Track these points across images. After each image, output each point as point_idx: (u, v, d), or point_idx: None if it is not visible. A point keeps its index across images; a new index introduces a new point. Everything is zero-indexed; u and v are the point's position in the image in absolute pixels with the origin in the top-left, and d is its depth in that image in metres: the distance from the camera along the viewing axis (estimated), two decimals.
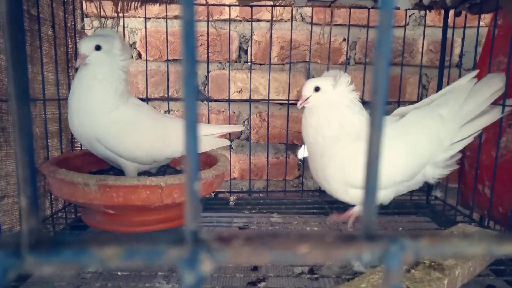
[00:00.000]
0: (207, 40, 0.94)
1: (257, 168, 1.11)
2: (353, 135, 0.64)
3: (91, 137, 0.64)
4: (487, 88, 0.67)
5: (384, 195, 0.67)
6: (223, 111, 1.09)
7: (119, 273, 0.49)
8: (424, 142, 0.66)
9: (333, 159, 0.65)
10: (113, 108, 0.63)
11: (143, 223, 0.63)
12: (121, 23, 1.05)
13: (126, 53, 0.64)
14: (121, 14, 0.84)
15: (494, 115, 0.67)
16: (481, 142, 0.77)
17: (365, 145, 0.12)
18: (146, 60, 0.94)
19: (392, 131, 0.66)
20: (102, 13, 0.83)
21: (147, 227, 0.63)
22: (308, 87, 0.67)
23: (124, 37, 1.02)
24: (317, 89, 0.66)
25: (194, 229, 0.12)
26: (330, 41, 0.94)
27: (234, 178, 1.12)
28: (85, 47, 0.60)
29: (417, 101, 0.97)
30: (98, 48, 0.61)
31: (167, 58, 0.94)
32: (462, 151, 0.82)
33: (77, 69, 0.65)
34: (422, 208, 0.86)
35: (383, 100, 0.12)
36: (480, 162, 0.77)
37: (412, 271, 0.45)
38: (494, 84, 0.67)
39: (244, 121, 1.10)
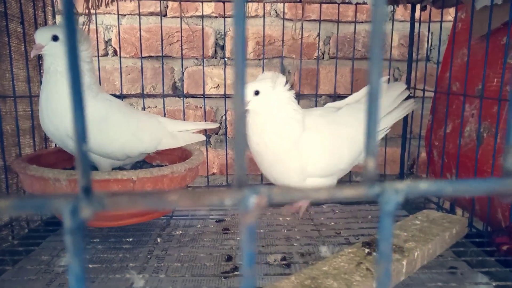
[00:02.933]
0: (181, 37, 0.94)
1: None
2: (300, 128, 0.68)
3: (61, 134, 0.64)
4: (395, 90, 0.81)
5: (331, 181, 0.73)
6: (201, 107, 1.09)
7: (90, 266, 0.50)
8: (361, 133, 0.72)
9: (289, 153, 0.68)
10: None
11: (117, 218, 0.64)
12: (96, 20, 1.05)
13: (87, 44, 0.64)
14: (93, 11, 0.84)
15: (408, 107, 0.82)
16: (448, 132, 0.80)
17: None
18: (120, 57, 0.94)
19: (335, 124, 0.73)
20: (74, 10, 0.83)
21: (122, 221, 0.63)
22: (248, 92, 0.68)
23: (95, 34, 1.02)
24: (256, 92, 0.68)
25: (85, 185, 0.13)
26: (302, 37, 0.95)
27: (214, 174, 1.13)
28: (41, 37, 0.60)
29: None
30: (55, 38, 0.61)
31: (141, 54, 0.94)
32: (430, 140, 0.85)
33: None
34: None
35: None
36: (447, 151, 0.79)
37: (374, 253, 0.48)
38: (399, 88, 0.82)
39: (222, 117, 1.11)
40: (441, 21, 0.80)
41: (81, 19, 0.85)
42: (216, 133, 1.12)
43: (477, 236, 0.63)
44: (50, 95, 0.63)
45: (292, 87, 0.74)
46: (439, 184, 0.13)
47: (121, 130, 0.69)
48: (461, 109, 0.71)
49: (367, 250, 0.48)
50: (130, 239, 0.58)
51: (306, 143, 0.68)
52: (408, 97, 0.83)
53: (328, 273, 0.42)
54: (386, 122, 0.78)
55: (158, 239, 0.61)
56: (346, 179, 0.94)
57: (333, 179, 0.73)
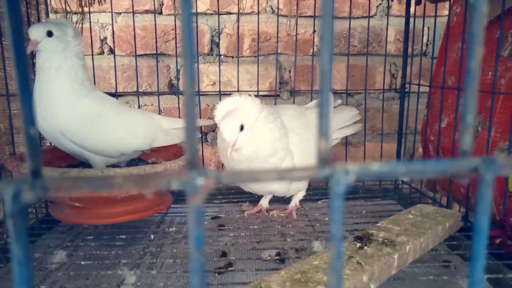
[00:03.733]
0: (175, 34, 0.94)
1: None
2: (285, 140, 0.66)
3: (55, 131, 0.64)
4: (349, 112, 0.87)
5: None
6: (197, 104, 1.09)
7: (82, 263, 0.50)
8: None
9: (277, 161, 0.66)
10: (75, 99, 0.64)
11: (111, 215, 0.64)
12: (91, 18, 1.05)
13: (78, 39, 0.64)
14: (86, 9, 0.84)
15: (356, 128, 0.86)
16: (443, 126, 0.80)
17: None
18: (114, 55, 0.94)
19: (308, 126, 0.73)
20: (68, 8, 0.83)
21: (115, 218, 0.63)
22: (232, 129, 0.60)
23: (91, 32, 1.02)
24: (242, 127, 0.60)
25: (33, 168, 0.13)
26: (297, 33, 0.95)
27: None
28: (36, 33, 0.60)
29: (386, 90, 1.00)
30: (50, 34, 0.61)
31: (135, 52, 0.94)
32: (425, 135, 0.85)
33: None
34: (389, 192, 0.89)
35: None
36: (442, 145, 0.79)
37: (365, 248, 0.47)
38: (352, 112, 0.88)
39: None
40: (435, 16, 0.80)
41: (75, 18, 0.85)
42: (213, 130, 1.12)
43: (472, 229, 0.62)
44: (42, 92, 0.63)
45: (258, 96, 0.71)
46: (392, 165, 0.13)
47: (115, 127, 0.69)
48: (456, 103, 0.71)
49: (358, 245, 0.48)
50: (124, 236, 0.59)
51: (291, 145, 0.67)
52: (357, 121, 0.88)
53: (319, 267, 0.42)
54: (337, 135, 0.83)
55: (152, 236, 0.61)
56: None
57: (304, 184, 0.74)
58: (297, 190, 0.73)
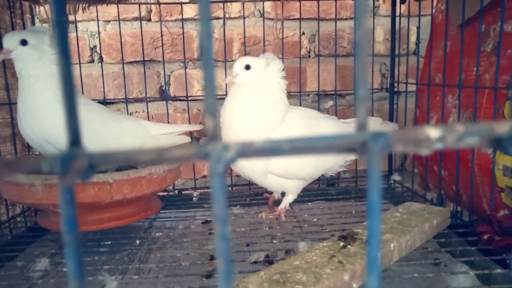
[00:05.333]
0: (161, 40, 0.94)
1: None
2: (278, 118, 0.67)
3: (40, 138, 0.64)
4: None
5: (293, 184, 0.72)
6: (188, 110, 1.09)
7: (64, 270, 0.49)
8: None
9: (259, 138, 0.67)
10: (58, 107, 0.64)
11: (97, 222, 0.63)
12: (81, 27, 1.05)
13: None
14: (72, 17, 0.84)
15: None
16: (432, 124, 0.79)
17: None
18: (102, 62, 0.94)
19: (312, 130, 0.72)
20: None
21: (101, 225, 0.63)
22: (238, 65, 0.67)
23: (80, 41, 1.02)
24: (247, 67, 0.67)
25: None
26: (283, 35, 0.95)
27: (204, 176, 1.13)
28: (9, 41, 0.60)
29: (376, 89, 1.00)
30: (24, 42, 0.61)
31: (123, 60, 0.94)
32: None
33: None
34: (382, 192, 0.88)
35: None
36: None
37: (348, 246, 0.47)
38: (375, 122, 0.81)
39: None
40: (419, 14, 0.80)
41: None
42: (205, 136, 1.11)
43: (462, 226, 0.62)
44: (26, 100, 0.63)
45: (285, 78, 0.73)
46: (276, 142, 0.13)
47: (102, 134, 0.69)
48: (443, 100, 0.70)
49: (342, 244, 0.47)
50: (109, 242, 0.58)
51: (278, 137, 0.67)
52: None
53: (299, 267, 0.42)
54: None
55: (138, 241, 0.61)
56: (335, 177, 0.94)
57: (296, 184, 0.72)
58: (291, 189, 0.72)
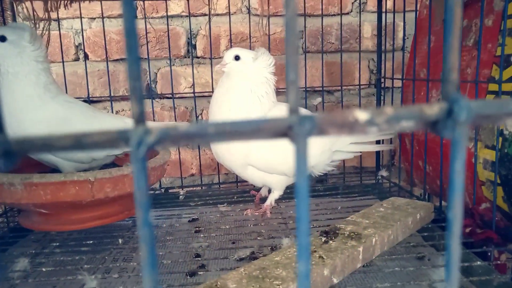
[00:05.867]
0: (146, 37, 0.93)
1: (214, 162, 1.11)
2: (259, 114, 0.67)
3: None
4: None
5: (276, 179, 0.72)
6: (176, 108, 1.08)
7: (43, 269, 0.49)
8: (316, 147, 0.73)
9: None
10: (40, 104, 0.63)
11: (80, 221, 0.63)
12: (65, 25, 1.04)
13: (38, 43, 0.63)
14: (55, 16, 0.83)
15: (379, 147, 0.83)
16: None
17: None
18: (85, 60, 0.93)
19: None
20: (36, 15, 0.82)
21: (84, 224, 0.62)
22: (229, 55, 0.69)
23: (65, 39, 1.01)
24: (237, 57, 0.68)
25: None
26: (269, 32, 0.95)
27: (192, 175, 1.12)
28: None
29: (364, 85, 1.00)
30: (2, 39, 0.60)
31: (107, 57, 0.93)
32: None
33: None
34: (369, 188, 0.88)
35: None
36: (417, 138, 0.79)
37: (330, 242, 0.47)
38: None
39: (198, 116, 1.11)
40: (404, 10, 0.80)
41: (42, 24, 0.84)
42: None
43: (445, 221, 0.62)
44: (5, 97, 0.62)
45: (274, 75, 0.73)
46: (201, 126, 0.12)
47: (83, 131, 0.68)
48: (427, 95, 0.70)
49: (324, 239, 0.47)
50: (91, 242, 0.57)
51: None
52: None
53: (279, 263, 0.42)
54: (352, 148, 0.78)
55: (120, 240, 0.60)
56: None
57: (279, 180, 0.71)
58: (274, 185, 0.72)
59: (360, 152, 0.79)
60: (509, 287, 0.43)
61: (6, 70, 0.61)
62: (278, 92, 1.09)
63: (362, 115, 0.11)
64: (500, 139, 0.55)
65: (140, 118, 0.12)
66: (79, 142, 0.12)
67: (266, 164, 0.68)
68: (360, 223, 0.52)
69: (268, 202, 0.72)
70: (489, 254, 0.51)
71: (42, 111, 0.63)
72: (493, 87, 0.58)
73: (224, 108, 0.68)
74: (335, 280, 0.42)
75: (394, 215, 0.54)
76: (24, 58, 0.62)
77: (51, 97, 0.65)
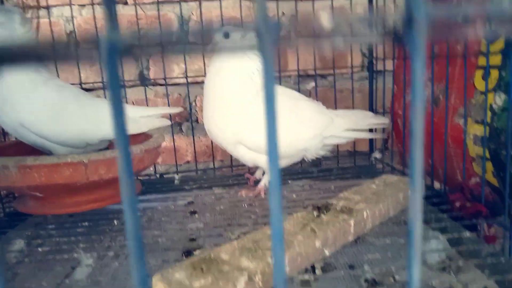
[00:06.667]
0: (137, 23, 0.93)
1: (209, 149, 1.11)
2: (252, 91, 0.67)
3: (14, 122, 0.63)
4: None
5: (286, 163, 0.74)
6: (169, 95, 1.08)
7: (39, 249, 0.49)
8: (303, 128, 0.74)
9: (230, 109, 0.68)
10: (32, 88, 0.63)
11: (75, 204, 0.63)
12: (55, 12, 1.03)
13: (27, 25, 0.63)
14: (44, 3, 0.82)
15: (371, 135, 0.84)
16: (409, 99, 0.80)
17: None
18: (77, 47, 0.92)
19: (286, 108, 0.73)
20: (24, 2, 0.81)
21: (78, 207, 0.63)
22: (218, 33, 0.70)
23: (56, 27, 1.00)
24: (226, 35, 0.69)
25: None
26: None
27: (188, 162, 1.13)
28: None
29: (356, 66, 1.00)
30: None
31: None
32: (392, 109, 0.85)
33: None
34: (363, 169, 0.89)
35: None
36: (408, 118, 0.79)
37: (322, 216, 0.47)
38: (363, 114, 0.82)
39: (191, 103, 1.11)
40: None
41: (31, 12, 0.83)
42: (187, 120, 1.11)
43: (436, 197, 0.63)
44: None
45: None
46: (171, 32, 0.13)
47: (77, 116, 0.68)
48: None
49: (316, 213, 0.48)
50: (86, 223, 0.58)
51: (252, 110, 0.68)
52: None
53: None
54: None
55: (115, 222, 0.61)
56: None
57: (266, 159, 0.71)
58: (265, 165, 0.73)
59: (354, 138, 0.79)
60: (498, 257, 0.44)
61: None
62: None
63: (326, 22, 0.11)
64: (489, 113, 0.56)
65: (111, 24, 0.13)
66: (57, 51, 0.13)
67: (255, 143, 0.68)
68: (352, 199, 0.53)
69: (262, 184, 0.73)
70: (478, 227, 0.52)
71: (34, 96, 0.63)
72: (482, 61, 0.59)
73: (217, 88, 0.69)
74: (326, 252, 0.43)
75: (385, 191, 0.55)
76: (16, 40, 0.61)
77: (43, 81, 0.65)
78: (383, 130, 0.88)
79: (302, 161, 0.94)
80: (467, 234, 0.48)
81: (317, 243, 0.41)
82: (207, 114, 0.72)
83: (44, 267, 0.46)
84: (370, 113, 0.82)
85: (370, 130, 0.84)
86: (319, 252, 0.42)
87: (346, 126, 0.75)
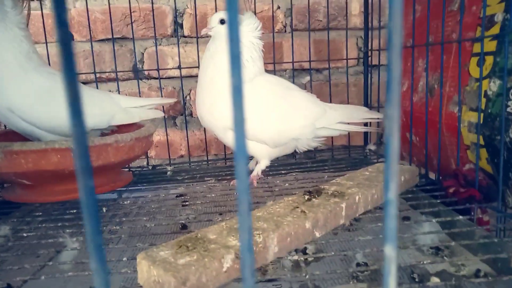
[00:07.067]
0: (130, 16, 0.92)
1: (203, 143, 1.10)
2: (248, 78, 0.66)
3: (2, 107, 0.62)
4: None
5: (258, 147, 0.71)
6: (163, 88, 1.07)
7: (24, 234, 0.48)
8: (296, 116, 0.73)
9: (221, 94, 0.67)
10: (21, 73, 0.62)
11: (63, 192, 0.62)
12: (48, 4, 1.02)
13: (19, 10, 0.62)
14: None
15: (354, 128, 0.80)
16: (404, 90, 0.80)
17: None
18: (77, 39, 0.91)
19: (277, 96, 0.73)
20: None
21: (67, 195, 0.61)
22: (214, 18, 0.71)
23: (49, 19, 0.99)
24: (222, 21, 0.69)
25: None
26: (255, 9, 0.94)
27: (182, 156, 1.12)
28: None
29: (351, 58, 0.99)
30: None
31: (91, 37, 0.92)
32: None
33: None
34: (357, 161, 0.88)
35: None
36: (404, 109, 0.79)
37: (313, 199, 0.47)
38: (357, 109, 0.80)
39: (185, 97, 1.10)
40: None
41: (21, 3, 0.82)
42: (181, 114, 1.10)
43: (429, 184, 0.62)
44: None
45: (260, 39, 0.73)
46: None
47: (66, 104, 0.67)
48: (412, 65, 0.70)
49: (307, 197, 0.47)
50: (74, 211, 0.57)
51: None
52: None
53: (261, 217, 0.41)
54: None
55: (104, 209, 0.60)
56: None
57: (262, 148, 0.70)
58: (257, 154, 0.72)
59: (347, 130, 0.79)
60: (491, 238, 0.43)
61: None
62: (266, 71, 1.08)
63: None
64: (484, 100, 0.55)
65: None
66: None
67: (247, 130, 0.68)
68: (344, 184, 0.52)
69: (254, 173, 0.72)
70: (471, 212, 0.52)
71: (23, 81, 0.62)
72: (477, 48, 0.58)
73: (209, 72, 0.68)
74: (317, 234, 0.42)
75: (378, 177, 0.54)
76: (7, 24, 0.61)
77: (33, 67, 0.64)
78: (378, 124, 0.87)
79: (297, 154, 0.94)
80: (459, 218, 0.47)
81: (307, 224, 0.41)
82: (199, 99, 0.72)
83: (28, 251, 0.45)
84: (365, 108, 0.82)
85: (365, 124, 0.83)
86: (309, 233, 0.41)
87: (340, 118, 0.75)
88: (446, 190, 0.54)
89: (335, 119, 0.74)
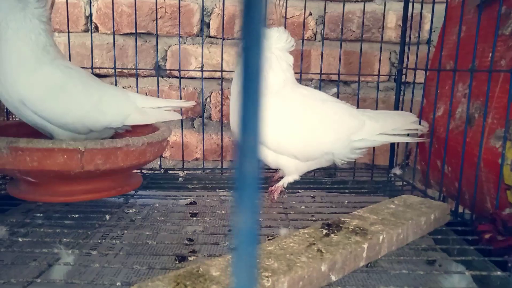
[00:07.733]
0: (156, 12, 0.89)
1: (219, 148, 1.06)
2: (274, 90, 0.62)
3: (14, 99, 0.60)
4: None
5: (285, 160, 0.68)
6: (184, 88, 1.04)
7: (19, 239, 0.45)
8: (324, 131, 0.70)
9: None
10: (36, 66, 0.59)
11: (68, 193, 0.59)
12: None
13: (42, 2, 0.60)
14: None
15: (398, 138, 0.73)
16: (439, 115, 0.74)
17: None
18: (91, 31, 0.89)
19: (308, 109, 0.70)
20: None
21: (71, 197, 0.59)
22: None
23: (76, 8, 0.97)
24: None
25: None
26: (286, 14, 0.90)
27: (197, 159, 1.08)
28: None
29: (383, 75, 0.94)
30: None
31: (113, 29, 0.89)
32: None
33: None
34: (380, 185, 0.83)
35: None
36: (437, 135, 0.73)
37: (332, 235, 0.42)
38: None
39: (206, 99, 1.06)
40: (433, 0, 0.74)
41: None
42: (200, 116, 1.07)
43: (462, 225, 0.56)
44: (2, 55, 0.58)
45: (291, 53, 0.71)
46: None
47: (80, 99, 0.64)
48: (452, 88, 0.64)
49: (325, 232, 0.42)
50: (76, 215, 0.54)
51: (272, 108, 0.65)
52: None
53: (272, 253, 0.37)
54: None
55: (107, 217, 0.56)
56: None
57: (291, 163, 0.67)
58: (286, 168, 0.69)
59: (388, 142, 0.73)
60: None
61: (6, 24, 0.57)
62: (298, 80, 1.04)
63: None
64: None
65: None
66: None
67: (275, 143, 0.65)
68: (368, 218, 0.47)
69: (280, 183, 0.68)
70: (509, 264, 0.46)
71: (38, 74, 0.60)
72: None
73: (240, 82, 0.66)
74: (333, 278, 0.37)
75: (405, 213, 0.49)
76: (27, 14, 0.58)
77: (49, 60, 0.61)
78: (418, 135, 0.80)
79: (315, 170, 0.89)
80: (496, 272, 0.42)
81: (323, 267, 0.36)
82: (231, 110, 0.69)
83: (19, 261, 0.42)
84: (412, 116, 0.74)
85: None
86: (324, 277, 0.36)
87: (380, 130, 0.69)
88: (480, 235, 0.49)
89: (375, 131, 0.69)
